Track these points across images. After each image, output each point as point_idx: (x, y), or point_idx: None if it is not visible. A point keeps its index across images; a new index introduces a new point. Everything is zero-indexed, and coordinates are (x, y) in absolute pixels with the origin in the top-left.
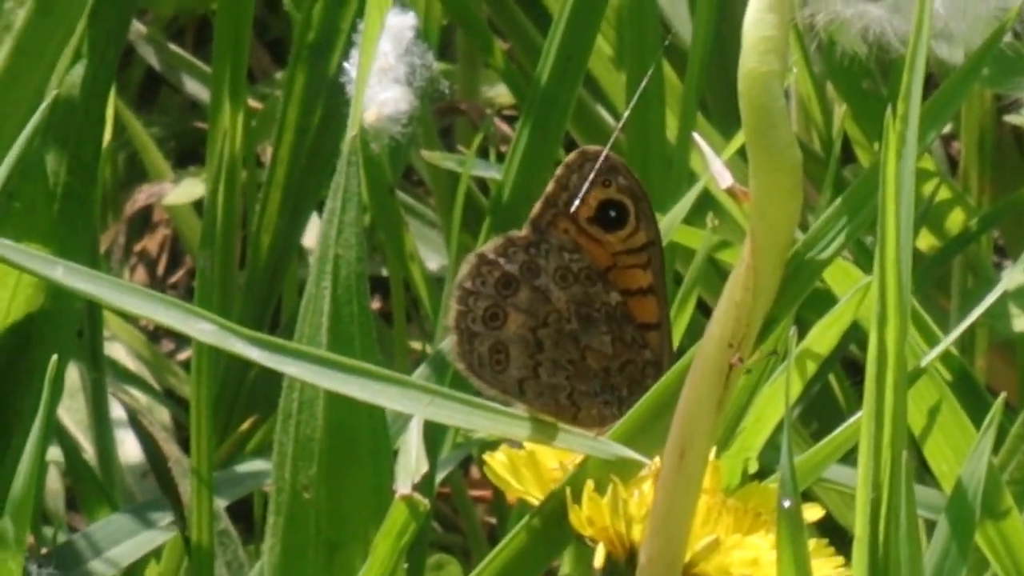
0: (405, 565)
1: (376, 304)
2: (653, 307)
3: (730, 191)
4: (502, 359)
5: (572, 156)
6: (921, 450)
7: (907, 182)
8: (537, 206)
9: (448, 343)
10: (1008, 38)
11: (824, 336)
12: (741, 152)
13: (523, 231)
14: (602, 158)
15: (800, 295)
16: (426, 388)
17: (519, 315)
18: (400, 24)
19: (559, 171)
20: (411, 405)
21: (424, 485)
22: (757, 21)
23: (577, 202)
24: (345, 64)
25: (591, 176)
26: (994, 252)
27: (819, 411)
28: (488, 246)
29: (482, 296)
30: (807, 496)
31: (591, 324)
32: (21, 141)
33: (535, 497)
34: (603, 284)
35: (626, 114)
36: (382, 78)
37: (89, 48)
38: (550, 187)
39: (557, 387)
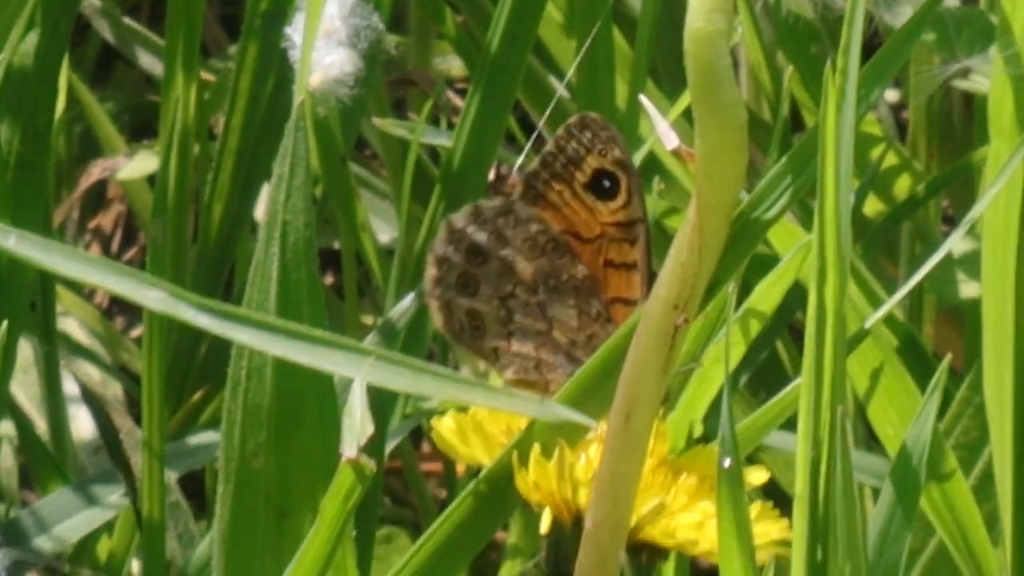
0: (354, 532)
1: (328, 279)
2: (636, 283)
3: (676, 152)
4: (480, 325)
5: (574, 119)
6: (866, 415)
7: (846, 135)
8: (534, 164)
9: (431, 313)
10: (955, 1)
11: (767, 295)
12: (688, 115)
13: (503, 194)
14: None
15: (745, 255)
16: (370, 352)
17: (489, 284)
18: None
19: (559, 132)
20: (355, 369)
21: (373, 450)
22: None
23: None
24: (287, 29)
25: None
26: (944, 222)
27: (767, 381)
28: (457, 214)
29: (455, 264)
30: (754, 461)
31: (558, 296)
32: None
33: (482, 462)
34: (570, 256)
35: (569, 74)
36: (327, 41)
37: (42, 17)
38: (549, 146)
39: (525, 357)
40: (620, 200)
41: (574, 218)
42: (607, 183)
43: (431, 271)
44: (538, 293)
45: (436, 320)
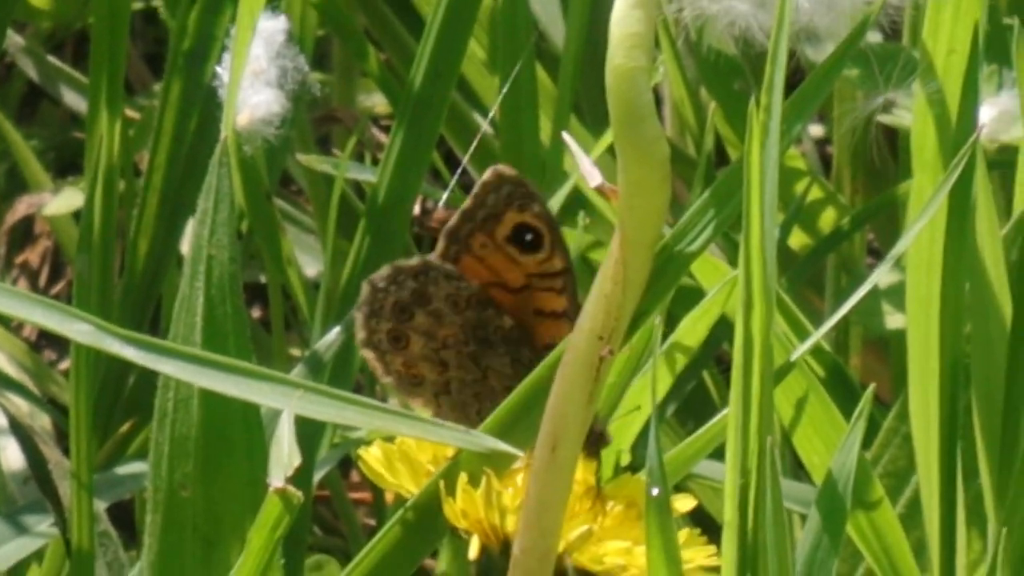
0: (282, 561)
1: (256, 312)
2: (565, 331)
3: (599, 189)
4: (417, 374)
5: (488, 175)
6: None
7: (770, 169)
8: (454, 218)
9: (366, 361)
10: (877, 37)
11: (694, 329)
12: (612, 152)
13: (428, 228)
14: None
15: (669, 288)
16: (297, 383)
17: (420, 337)
18: (271, 28)
19: (477, 188)
20: (283, 400)
21: (300, 481)
22: (624, 17)
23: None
24: (218, 69)
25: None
26: (869, 254)
27: (695, 411)
28: (378, 275)
29: (383, 319)
30: (681, 489)
31: (489, 346)
32: None
33: (409, 491)
34: (494, 309)
35: (493, 110)
36: (254, 81)
37: None
38: (469, 202)
39: (467, 404)
40: (543, 253)
41: (499, 269)
42: (529, 236)
43: (361, 333)
44: (469, 344)
45: (375, 371)
